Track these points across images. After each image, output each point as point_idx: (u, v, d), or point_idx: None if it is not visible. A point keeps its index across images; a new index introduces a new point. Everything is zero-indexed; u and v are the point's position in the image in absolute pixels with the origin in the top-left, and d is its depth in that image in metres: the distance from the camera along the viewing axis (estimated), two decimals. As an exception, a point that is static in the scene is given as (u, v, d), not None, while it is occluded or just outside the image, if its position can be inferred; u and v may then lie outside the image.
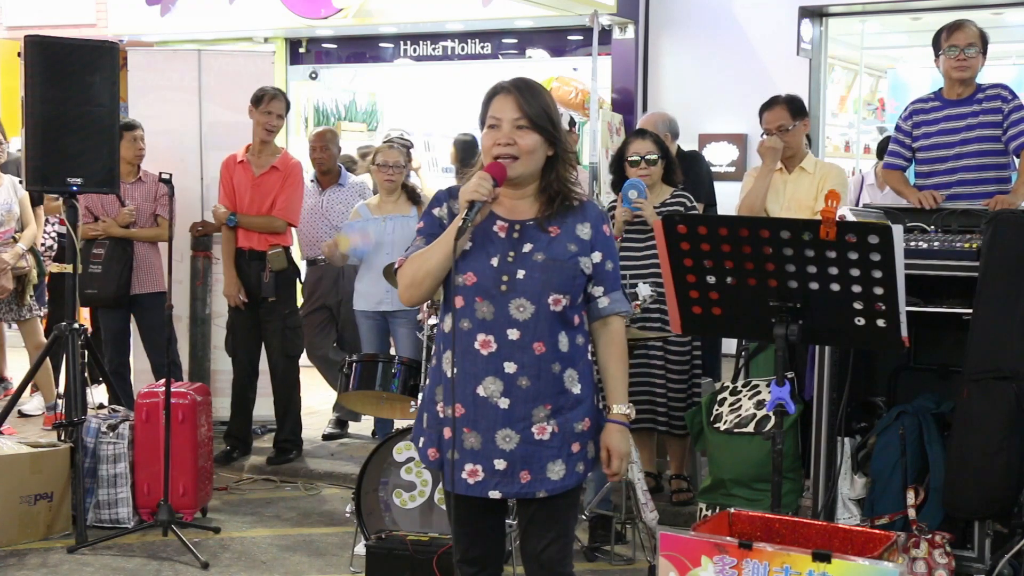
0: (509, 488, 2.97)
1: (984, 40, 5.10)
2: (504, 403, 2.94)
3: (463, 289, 2.96)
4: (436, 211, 3.07)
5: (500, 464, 2.96)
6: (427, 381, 3.16)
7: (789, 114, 5.44)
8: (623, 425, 3.04)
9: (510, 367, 2.93)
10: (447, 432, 2.99)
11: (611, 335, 3.07)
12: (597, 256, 3.02)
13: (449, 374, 2.98)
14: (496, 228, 3.00)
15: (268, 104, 6.27)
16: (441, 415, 3.02)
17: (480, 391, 2.95)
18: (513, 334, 2.93)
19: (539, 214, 3.01)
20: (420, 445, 3.10)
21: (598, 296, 3.04)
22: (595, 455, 3.05)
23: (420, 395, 5.01)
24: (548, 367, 2.95)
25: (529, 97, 2.96)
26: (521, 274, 2.93)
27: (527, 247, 2.96)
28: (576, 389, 2.99)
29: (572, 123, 7.00)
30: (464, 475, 2.98)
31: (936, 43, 5.15)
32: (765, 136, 5.51)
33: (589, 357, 3.06)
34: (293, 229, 6.64)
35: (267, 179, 6.36)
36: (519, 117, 2.94)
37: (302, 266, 7.25)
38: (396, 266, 3.08)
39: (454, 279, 2.95)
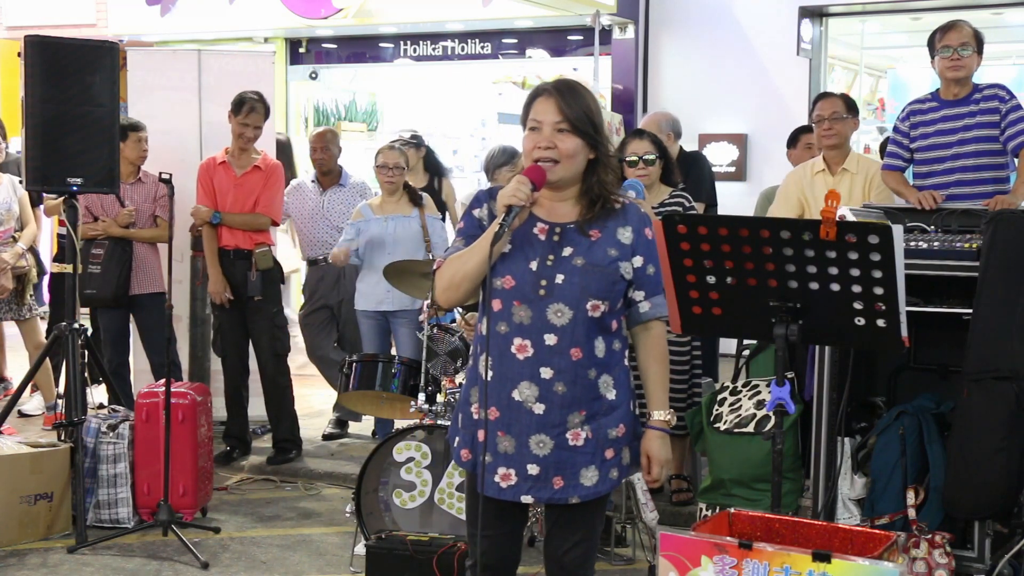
0: (542, 493, 2.96)
1: (979, 40, 5.09)
2: (539, 408, 2.93)
3: (501, 292, 2.93)
4: (476, 212, 3.04)
5: (533, 469, 2.94)
6: (463, 382, 3.16)
7: (844, 105, 5.46)
8: (663, 432, 3.03)
9: (546, 372, 2.91)
10: (481, 435, 2.97)
11: (652, 340, 3.05)
12: (638, 260, 2.99)
13: (484, 377, 2.95)
14: (536, 230, 2.97)
15: (246, 116, 6.26)
16: (475, 416, 3.00)
17: (515, 395, 2.93)
18: (550, 339, 2.90)
19: (580, 217, 2.97)
20: (455, 445, 3.10)
21: (639, 300, 3.01)
22: (630, 461, 3.04)
23: (421, 395, 5.03)
24: (584, 373, 2.93)
25: (571, 99, 2.92)
26: (560, 279, 2.91)
27: (567, 251, 2.93)
28: (611, 395, 2.98)
29: None
30: (497, 479, 2.97)
31: (931, 44, 5.16)
32: (815, 126, 5.51)
33: (626, 363, 3.04)
34: (274, 230, 6.64)
35: (249, 179, 6.37)
36: (560, 120, 2.91)
37: (303, 266, 7.26)
38: (435, 267, 3.05)
39: (492, 282, 2.92)
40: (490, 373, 2.95)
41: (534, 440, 2.94)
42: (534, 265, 2.93)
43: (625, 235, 2.98)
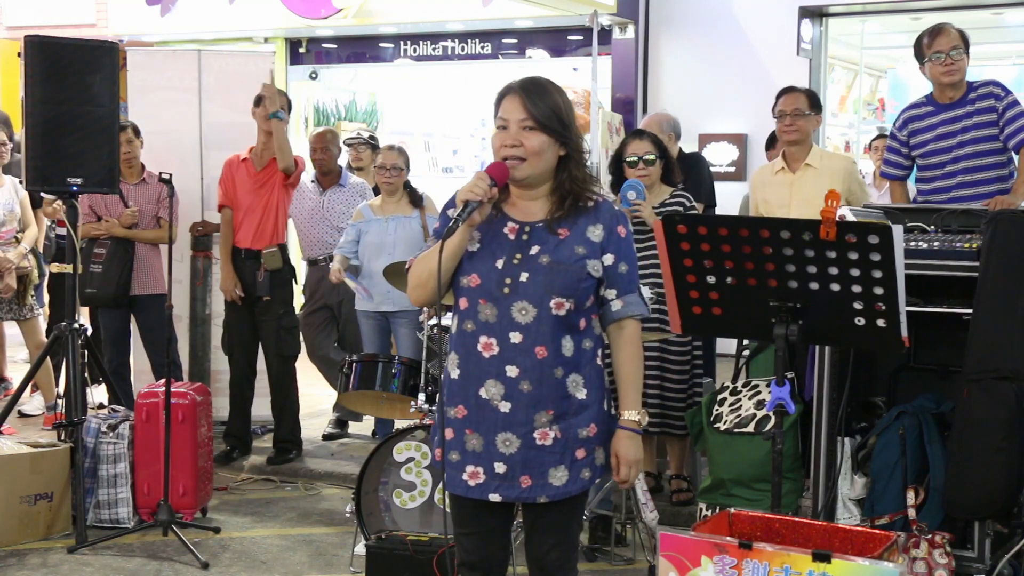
0: (509, 492, 2.96)
1: (966, 40, 5.08)
2: (505, 407, 2.93)
3: (467, 291, 2.95)
4: (450, 212, 3.02)
5: (500, 467, 2.95)
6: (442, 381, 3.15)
7: (807, 101, 5.42)
8: (633, 432, 3.00)
9: (512, 371, 2.91)
10: (449, 433, 2.99)
11: (624, 339, 3.03)
12: (609, 258, 2.97)
13: (452, 375, 2.98)
14: (506, 230, 2.97)
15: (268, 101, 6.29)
16: (448, 415, 3.01)
17: (482, 393, 2.94)
18: (515, 337, 2.91)
19: (549, 215, 2.98)
20: (434, 444, 3.12)
21: (611, 299, 3.00)
22: (604, 461, 3.02)
23: (421, 395, 5.03)
24: (550, 372, 2.92)
25: (536, 98, 2.92)
26: (524, 277, 2.91)
27: (534, 249, 2.94)
28: (581, 394, 2.96)
29: None
30: (465, 476, 2.97)
31: (919, 51, 5.12)
32: (777, 121, 5.45)
33: (599, 362, 3.02)
34: (292, 231, 6.63)
35: (267, 172, 6.39)
36: (525, 118, 2.91)
37: (303, 266, 7.25)
38: (407, 267, 3.06)
39: (458, 280, 2.94)
40: (457, 371, 2.97)
41: (500, 438, 2.94)
42: (500, 263, 2.93)
43: (595, 233, 2.96)
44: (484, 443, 2.95)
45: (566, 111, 2.96)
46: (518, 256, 2.93)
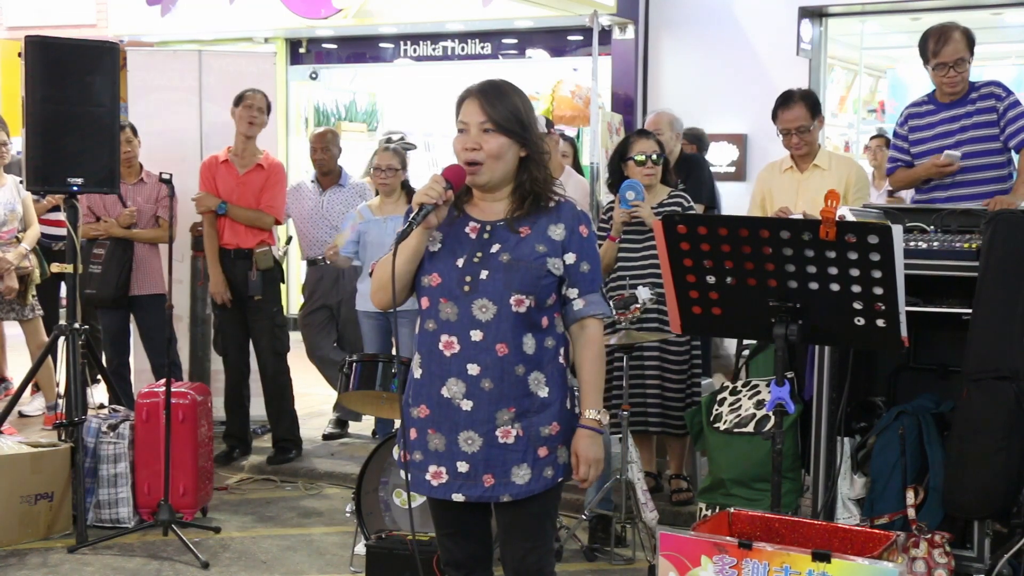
0: (472, 491, 2.96)
1: (970, 42, 5.01)
2: (467, 405, 2.93)
3: (429, 290, 2.97)
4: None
5: (463, 467, 2.95)
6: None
7: (808, 113, 5.27)
8: (594, 431, 2.99)
9: (473, 368, 2.92)
10: (413, 433, 3.01)
11: (586, 338, 3.03)
12: (570, 257, 2.98)
13: (415, 375, 3.00)
14: (468, 230, 3.00)
15: (248, 100, 6.33)
16: (412, 416, 3.03)
17: (444, 392, 2.95)
18: (476, 335, 2.92)
19: (509, 214, 3.00)
20: (399, 447, 3.13)
21: (573, 298, 3.01)
22: (567, 460, 3.01)
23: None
24: (512, 369, 2.93)
25: (495, 100, 2.95)
26: (484, 275, 2.92)
27: (495, 248, 2.96)
28: (543, 392, 2.97)
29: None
30: (428, 477, 2.98)
31: (923, 51, 5.07)
32: (782, 136, 5.33)
33: (561, 360, 3.03)
34: (276, 228, 6.66)
35: (252, 177, 6.37)
36: (484, 121, 2.94)
37: (302, 266, 7.27)
38: (369, 271, 3.08)
39: (419, 280, 2.96)
40: (420, 371, 2.98)
41: (463, 437, 2.94)
42: (460, 262, 2.95)
43: (557, 232, 2.98)
44: (446, 442, 2.96)
45: (526, 113, 2.99)
46: (479, 255, 2.95)
